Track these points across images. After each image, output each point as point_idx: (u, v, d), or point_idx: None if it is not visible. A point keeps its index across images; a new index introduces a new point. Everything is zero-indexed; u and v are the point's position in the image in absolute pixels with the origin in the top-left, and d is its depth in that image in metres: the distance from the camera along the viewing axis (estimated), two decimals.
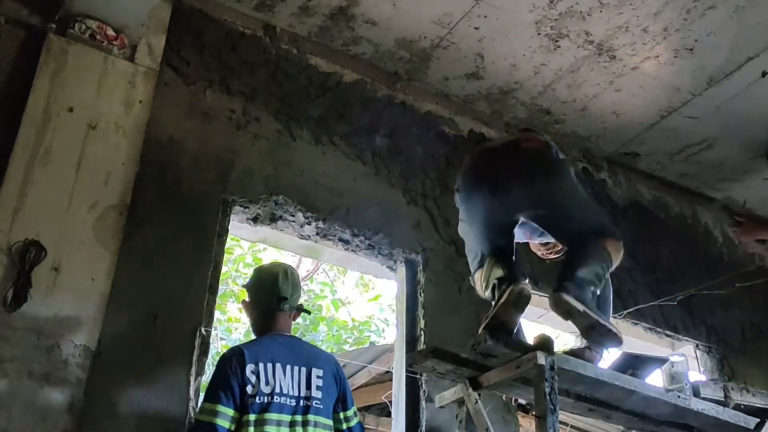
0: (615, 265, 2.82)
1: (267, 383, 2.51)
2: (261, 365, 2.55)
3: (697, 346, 4.92)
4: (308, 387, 2.60)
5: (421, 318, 3.82)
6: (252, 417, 2.48)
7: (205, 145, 3.60)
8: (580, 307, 2.52)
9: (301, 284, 2.87)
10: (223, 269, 4.98)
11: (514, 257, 2.94)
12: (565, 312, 2.53)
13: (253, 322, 2.88)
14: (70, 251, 3.04)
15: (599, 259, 2.71)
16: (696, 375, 4.72)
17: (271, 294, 2.80)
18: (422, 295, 3.88)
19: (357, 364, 5.59)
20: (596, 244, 2.74)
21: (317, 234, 3.85)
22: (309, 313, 3.08)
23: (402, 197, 4.12)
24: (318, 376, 2.65)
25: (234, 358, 2.58)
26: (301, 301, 2.98)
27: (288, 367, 2.58)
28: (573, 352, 2.74)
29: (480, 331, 2.64)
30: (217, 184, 3.54)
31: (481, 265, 2.90)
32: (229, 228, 3.57)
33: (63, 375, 2.83)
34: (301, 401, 2.57)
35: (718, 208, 5.26)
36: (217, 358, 2.64)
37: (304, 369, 2.62)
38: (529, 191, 2.88)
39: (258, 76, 3.95)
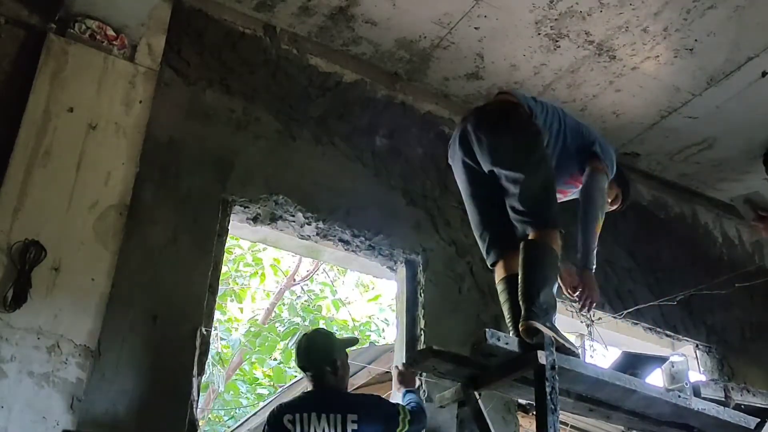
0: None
1: (302, 430, 2.88)
2: (297, 415, 2.91)
3: (697, 346, 4.92)
4: (344, 430, 2.90)
5: (421, 318, 3.82)
6: None
7: (205, 145, 3.60)
8: (550, 333, 2.60)
9: (324, 344, 3.18)
10: (223, 269, 4.98)
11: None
12: (534, 337, 2.62)
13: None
14: (70, 251, 3.04)
15: (555, 272, 2.79)
16: (696, 375, 4.72)
17: (298, 359, 3.18)
18: (422, 295, 3.88)
19: (357, 364, 5.58)
20: (548, 248, 2.77)
21: (317, 234, 3.85)
22: (357, 341, 3.52)
23: (402, 198, 4.12)
24: (353, 421, 2.90)
25: (275, 409, 3.00)
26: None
27: (323, 415, 2.90)
28: None
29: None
30: (217, 184, 3.54)
31: (489, 265, 3.01)
32: (229, 228, 3.57)
33: (63, 375, 2.83)
34: None
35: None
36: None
37: (339, 416, 2.91)
38: (487, 143, 2.93)
39: (258, 76, 3.95)
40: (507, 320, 2.87)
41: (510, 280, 2.86)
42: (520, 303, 2.70)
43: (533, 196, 2.85)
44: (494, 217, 2.97)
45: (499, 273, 2.95)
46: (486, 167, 2.94)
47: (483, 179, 2.98)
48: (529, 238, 2.80)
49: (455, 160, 3.10)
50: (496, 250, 2.96)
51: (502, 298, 2.90)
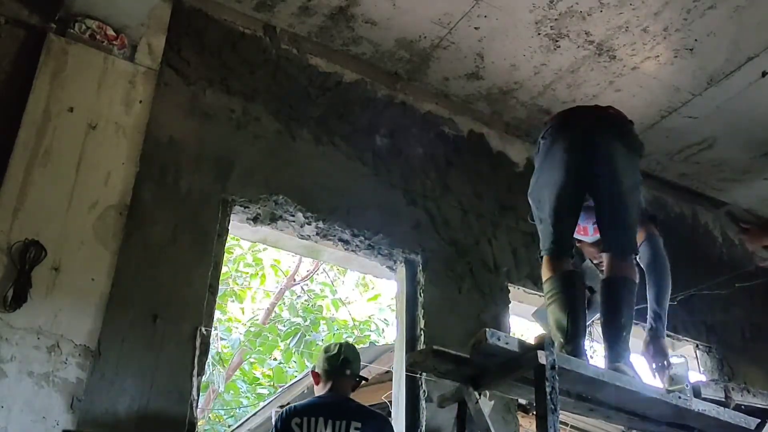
0: None
1: None
2: (305, 418, 3.03)
3: (697, 346, 4.92)
4: None
5: (421, 318, 3.82)
6: None
7: (205, 145, 3.60)
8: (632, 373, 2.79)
9: (359, 361, 3.41)
10: (223, 269, 4.98)
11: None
12: None
13: (318, 388, 3.30)
14: (70, 251, 3.04)
15: (630, 303, 2.93)
16: (696, 375, 4.72)
17: (337, 359, 3.25)
18: (422, 295, 3.88)
19: None
20: (635, 286, 2.94)
21: (317, 234, 3.85)
22: (366, 380, 3.59)
23: (402, 197, 4.11)
24: (356, 428, 3.04)
25: (285, 412, 3.11)
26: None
27: (330, 421, 3.03)
28: None
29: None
30: (217, 184, 3.54)
31: (548, 254, 3.02)
32: (229, 228, 3.57)
33: (63, 375, 2.83)
34: None
35: (722, 214, 5.28)
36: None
37: (344, 422, 3.04)
38: (606, 149, 3.01)
39: (258, 76, 3.95)
40: (561, 320, 2.87)
41: (569, 277, 2.95)
42: (607, 341, 2.88)
43: (632, 222, 3.01)
44: (571, 218, 3.05)
45: (551, 268, 2.99)
46: (600, 173, 3.00)
47: (581, 179, 3.03)
48: (622, 272, 2.92)
49: (558, 148, 3.09)
50: (559, 248, 3.01)
51: (566, 295, 2.92)
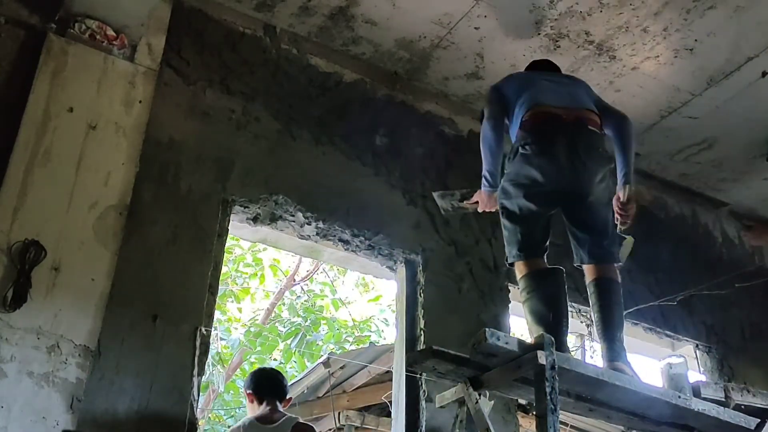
0: None
1: None
2: None
3: (697, 346, 4.92)
4: None
5: (421, 318, 3.82)
6: None
7: (205, 145, 3.60)
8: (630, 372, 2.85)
9: None
10: (223, 269, 4.98)
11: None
12: None
13: None
14: (70, 251, 3.04)
15: (621, 303, 3.04)
16: (696, 375, 4.72)
17: None
18: (422, 295, 3.88)
19: (357, 364, 5.59)
20: (615, 283, 3.05)
21: (317, 234, 3.85)
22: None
23: (402, 197, 4.11)
24: None
25: None
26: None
27: None
28: None
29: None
30: (217, 184, 3.54)
31: (516, 260, 3.09)
32: (229, 228, 3.57)
33: (63, 375, 2.83)
34: None
35: (726, 213, 5.27)
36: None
37: None
38: (588, 169, 3.05)
39: (258, 76, 3.95)
40: (540, 312, 2.91)
41: (544, 273, 3.01)
42: (604, 340, 2.93)
43: (612, 231, 3.12)
44: (545, 224, 3.13)
45: (526, 268, 3.04)
46: (581, 189, 3.06)
47: (563, 195, 3.10)
48: (608, 274, 3.04)
49: (541, 163, 3.08)
50: (529, 252, 3.06)
51: (543, 288, 2.97)
